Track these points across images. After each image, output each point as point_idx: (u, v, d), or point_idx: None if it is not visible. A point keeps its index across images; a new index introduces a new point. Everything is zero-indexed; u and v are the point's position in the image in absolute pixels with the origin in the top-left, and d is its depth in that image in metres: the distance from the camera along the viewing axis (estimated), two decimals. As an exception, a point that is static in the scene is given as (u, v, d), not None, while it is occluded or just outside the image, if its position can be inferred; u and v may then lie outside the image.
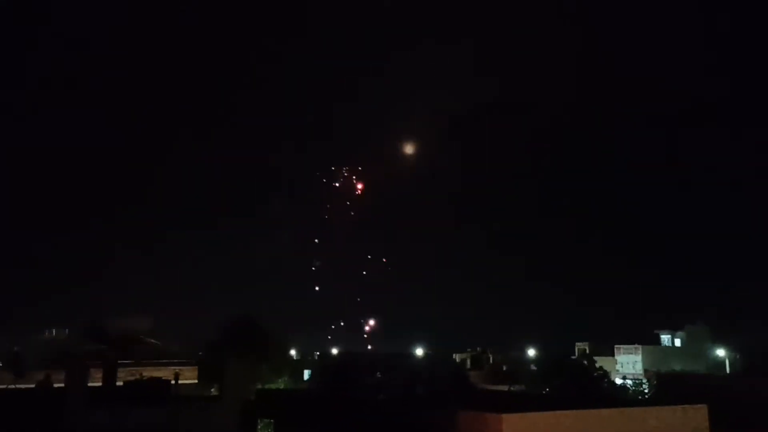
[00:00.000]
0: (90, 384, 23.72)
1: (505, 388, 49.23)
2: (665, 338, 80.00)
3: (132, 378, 31.83)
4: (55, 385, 28.42)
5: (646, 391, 51.36)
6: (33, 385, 32.12)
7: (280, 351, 53.70)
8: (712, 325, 77.65)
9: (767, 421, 31.50)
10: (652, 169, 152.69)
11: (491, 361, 79.88)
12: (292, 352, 74.85)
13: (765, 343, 63.20)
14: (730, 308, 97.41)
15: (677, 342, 78.72)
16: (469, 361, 77.67)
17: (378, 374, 37.78)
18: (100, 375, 28.66)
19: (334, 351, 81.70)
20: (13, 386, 34.08)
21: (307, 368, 63.35)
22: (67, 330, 67.02)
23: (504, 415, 21.25)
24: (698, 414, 25.11)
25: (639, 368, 71.36)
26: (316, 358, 76.00)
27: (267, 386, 44.93)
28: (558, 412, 22.88)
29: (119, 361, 34.77)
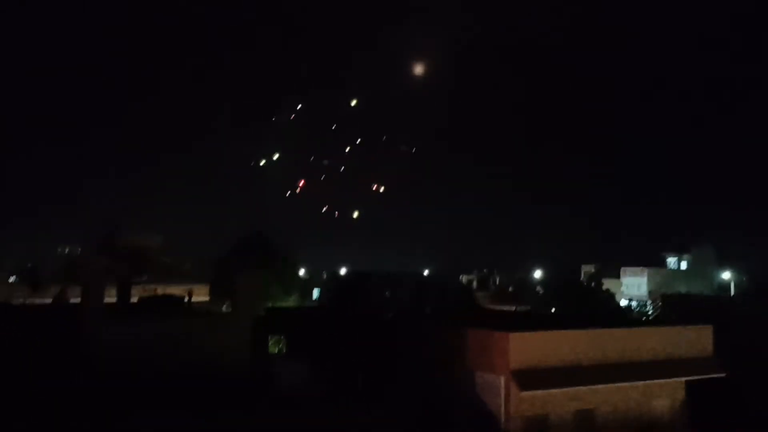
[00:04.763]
0: (105, 301, 24.11)
1: (511, 308, 50.04)
2: (671, 261, 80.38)
3: (146, 295, 32.40)
4: (71, 300, 29.01)
5: (649, 312, 52.16)
6: (49, 300, 32.81)
7: (290, 269, 54.36)
8: (720, 248, 77.78)
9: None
10: (655, 92, 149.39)
11: (497, 282, 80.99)
12: (301, 271, 75.91)
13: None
14: (739, 231, 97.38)
15: (683, 265, 79.13)
16: (475, 282, 78.74)
17: (386, 292, 38.28)
18: (114, 292, 29.15)
19: (343, 270, 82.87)
20: (30, 300, 34.88)
21: (316, 287, 64.38)
22: (79, 248, 68.02)
23: (511, 333, 21.59)
24: (703, 334, 25.45)
25: (644, 290, 72.08)
26: (325, 276, 77.10)
27: (277, 304, 45.76)
28: (564, 331, 23.22)
29: (132, 279, 35.25)
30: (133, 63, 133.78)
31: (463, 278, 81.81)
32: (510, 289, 73.35)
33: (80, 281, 22.64)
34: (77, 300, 23.52)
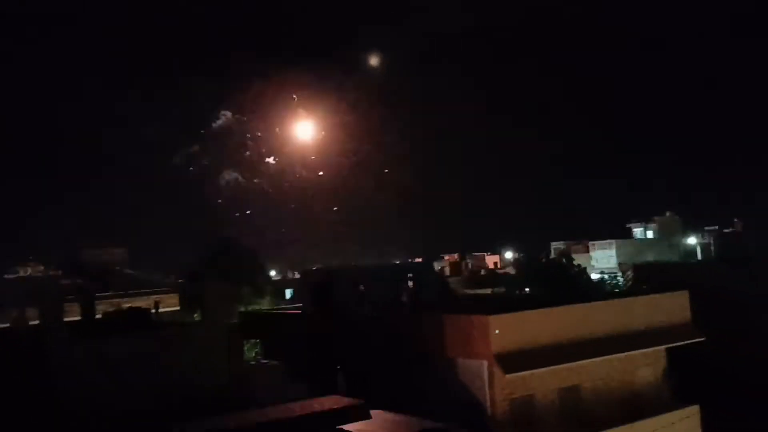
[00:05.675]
0: (68, 319, 23.05)
1: (486, 291, 49.90)
2: (637, 231, 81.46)
3: (111, 309, 31.22)
4: (31, 323, 27.74)
5: (621, 283, 52.51)
6: (7, 324, 31.39)
7: (261, 272, 53.55)
8: (685, 214, 79.12)
9: (739, 302, 32.46)
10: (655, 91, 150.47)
11: (469, 266, 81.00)
12: (272, 272, 74.89)
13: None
14: (703, 197, 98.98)
15: (650, 234, 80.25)
16: (447, 269, 78.57)
17: (360, 287, 37.63)
18: (78, 309, 28.01)
19: (314, 268, 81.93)
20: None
21: (288, 287, 63.51)
22: (42, 266, 66.04)
23: (491, 316, 21.21)
24: (680, 300, 25.50)
25: (614, 262, 72.79)
26: (296, 276, 76.16)
27: (250, 308, 44.87)
28: (543, 310, 22.94)
29: (97, 294, 34.03)
30: (133, 63, 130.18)
31: (435, 265, 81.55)
32: (482, 272, 73.42)
33: (38, 302, 21.60)
34: (36, 322, 22.44)
